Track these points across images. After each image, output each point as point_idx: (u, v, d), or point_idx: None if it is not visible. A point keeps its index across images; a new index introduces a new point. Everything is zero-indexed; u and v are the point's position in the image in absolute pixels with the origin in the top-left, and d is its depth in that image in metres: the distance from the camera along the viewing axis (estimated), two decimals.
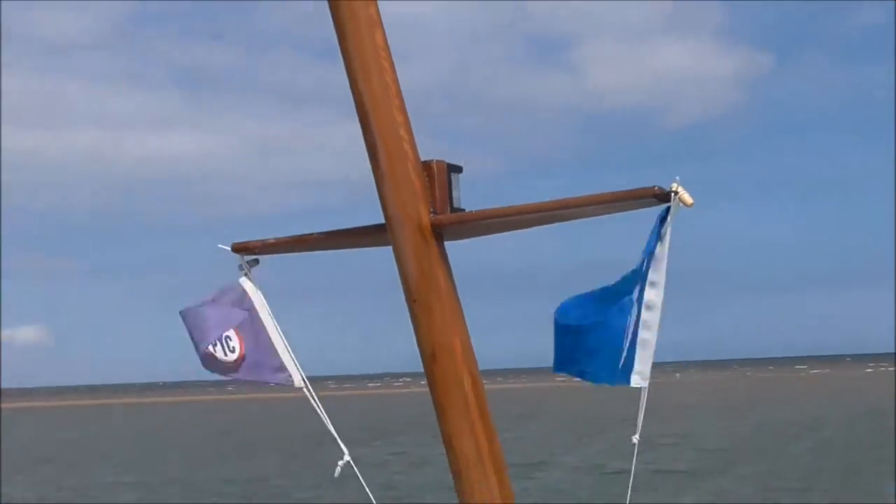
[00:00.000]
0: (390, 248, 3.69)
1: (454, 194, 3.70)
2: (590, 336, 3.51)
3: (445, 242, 3.71)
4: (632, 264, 3.51)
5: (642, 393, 3.57)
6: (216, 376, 4.07)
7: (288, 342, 4.09)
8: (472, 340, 3.70)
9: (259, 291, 4.09)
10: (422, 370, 3.71)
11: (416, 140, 3.69)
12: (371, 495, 4.07)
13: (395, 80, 3.60)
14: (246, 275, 4.11)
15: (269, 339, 4.04)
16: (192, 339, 4.02)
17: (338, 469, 3.97)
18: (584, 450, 53.26)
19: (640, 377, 3.52)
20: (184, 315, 4.04)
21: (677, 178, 3.42)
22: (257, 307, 4.07)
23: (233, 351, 4.02)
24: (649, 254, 3.45)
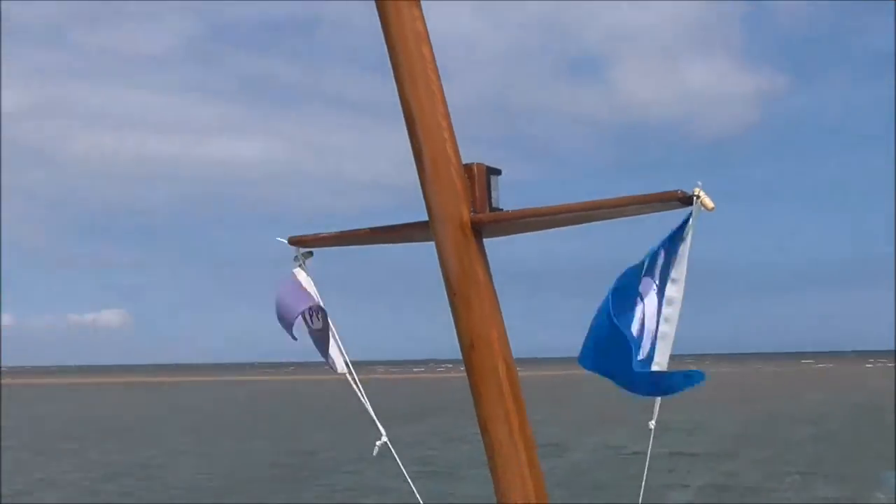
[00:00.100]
0: (433, 244, 3.67)
1: (493, 195, 3.68)
2: (607, 341, 3.46)
3: (484, 239, 3.68)
4: (633, 261, 3.46)
5: None
6: (274, 359, 4.11)
7: (338, 331, 4.08)
8: (508, 331, 3.68)
9: (311, 281, 4.08)
10: (461, 357, 3.69)
11: (459, 145, 3.66)
12: (405, 472, 4.07)
13: (440, 90, 3.58)
14: (301, 266, 4.10)
15: (322, 327, 4.04)
16: (283, 311, 4.03)
17: (376, 448, 3.97)
18: (606, 433, 53.19)
19: (658, 367, 3.48)
20: (278, 293, 4.07)
21: (699, 182, 3.37)
22: (311, 294, 4.06)
23: (319, 320, 4.04)
24: (671, 252, 3.41)
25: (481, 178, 3.65)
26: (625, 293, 3.38)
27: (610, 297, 3.33)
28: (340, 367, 4.05)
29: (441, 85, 3.59)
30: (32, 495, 37.23)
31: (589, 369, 3.47)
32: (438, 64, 3.58)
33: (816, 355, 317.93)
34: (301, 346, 4.11)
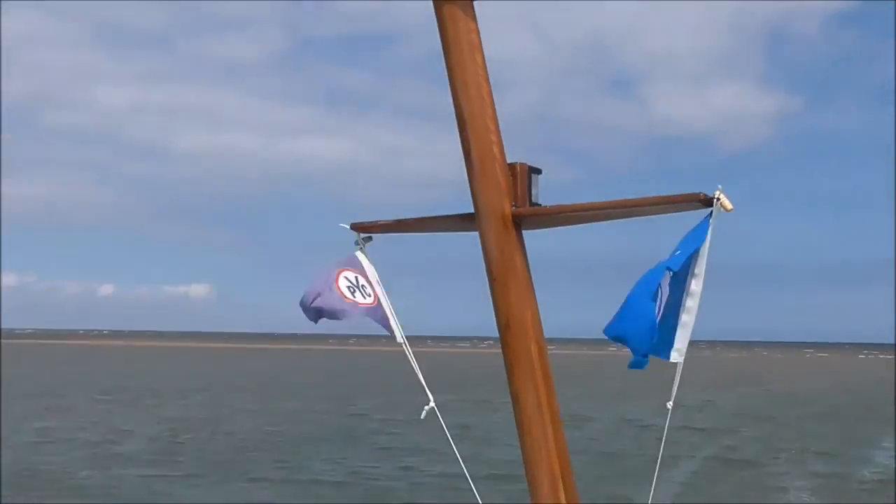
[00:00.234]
0: (477, 234, 3.67)
1: (533, 191, 3.67)
2: (633, 311, 3.44)
3: (524, 231, 3.68)
4: (662, 256, 3.43)
5: (678, 367, 3.50)
6: (338, 332, 4.11)
7: (394, 307, 4.08)
8: (542, 314, 3.68)
9: (371, 263, 4.08)
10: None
11: (506, 147, 3.65)
12: (448, 435, 4.07)
13: (490, 95, 3.58)
14: (361, 249, 4.10)
15: (380, 300, 4.05)
16: (318, 286, 4.01)
17: (423, 412, 3.97)
18: (625, 407, 53.04)
19: (678, 353, 3.45)
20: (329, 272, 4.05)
21: (719, 186, 3.34)
22: (369, 276, 4.07)
23: (369, 296, 4.01)
24: (693, 249, 3.37)
25: (523, 177, 3.64)
26: (653, 281, 3.36)
27: (644, 282, 3.32)
28: (399, 337, 4.05)
29: (491, 90, 3.59)
30: (116, 444, 37.73)
31: (610, 336, 3.44)
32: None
33: (816, 345, 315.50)
34: (361, 322, 4.10)
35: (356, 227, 4.15)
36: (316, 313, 3.98)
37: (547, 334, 3.67)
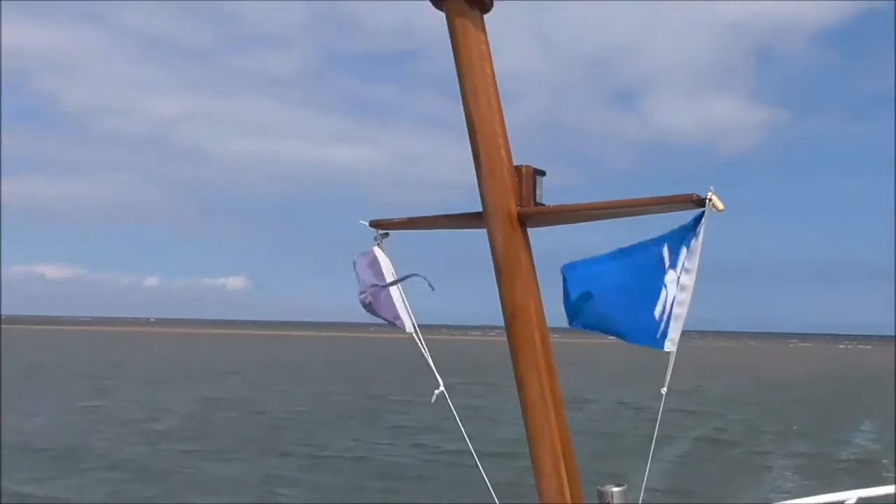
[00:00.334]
0: (485, 231, 3.66)
1: (537, 192, 3.66)
2: (621, 299, 3.42)
3: (528, 229, 3.67)
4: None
5: (671, 356, 3.48)
6: (364, 319, 4.17)
7: (408, 298, 4.08)
8: (545, 305, 3.67)
9: (387, 257, 4.08)
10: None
11: (513, 151, 3.63)
12: (456, 416, 4.06)
13: (498, 102, 3.56)
14: (378, 244, 4.10)
15: (390, 293, 4.05)
16: (358, 282, 4.05)
17: (434, 396, 3.97)
18: (621, 391, 52.97)
19: (671, 343, 3.44)
20: (354, 264, 4.09)
21: (711, 187, 3.32)
22: (384, 269, 4.06)
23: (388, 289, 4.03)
24: (683, 245, 3.35)
25: (528, 178, 3.63)
26: (643, 268, 3.36)
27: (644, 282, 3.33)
28: (409, 327, 4.04)
29: (499, 98, 3.57)
30: (155, 422, 37.88)
31: (593, 330, 3.45)
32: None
33: (799, 336, 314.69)
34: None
35: (374, 224, 4.15)
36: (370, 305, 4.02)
37: (549, 324, 3.67)
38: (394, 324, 4.09)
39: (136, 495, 22.46)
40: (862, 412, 44.75)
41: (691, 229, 3.35)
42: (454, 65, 3.57)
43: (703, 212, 3.33)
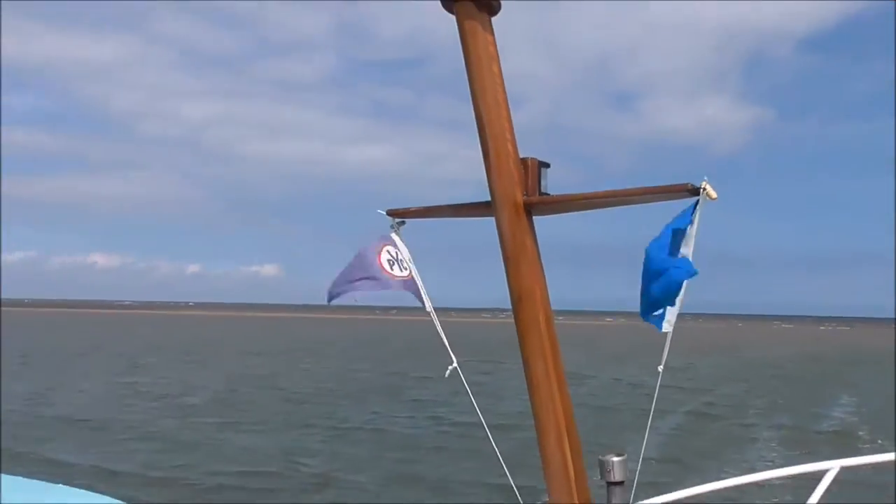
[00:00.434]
0: (493, 219, 3.64)
1: (542, 183, 3.65)
2: (658, 281, 3.37)
3: (534, 217, 3.65)
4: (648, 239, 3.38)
5: (667, 336, 3.45)
6: (386, 303, 4.13)
7: (425, 282, 4.08)
8: (550, 289, 3.65)
9: (404, 244, 4.06)
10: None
11: (519, 146, 3.61)
12: (469, 390, 4.05)
13: (505, 98, 3.55)
14: (395, 232, 4.09)
15: (414, 275, 4.04)
16: (352, 268, 3.97)
17: (447, 371, 3.97)
18: (619, 369, 52.95)
19: (668, 324, 3.42)
20: (359, 253, 4.02)
21: (705, 177, 3.29)
22: (403, 254, 4.05)
23: (405, 270, 3.99)
24: (681, 232, 3.31)
25: (534, 169, 3.62)
26: (670, 259, 3.32)
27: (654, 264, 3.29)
28: (427, 307, 4.03)
29: (506, 95, 3.56)
30: (187, 396, 38.07)
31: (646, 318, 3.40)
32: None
33: (782, 318, 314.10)
34: (398, 294, 4.09)
35: (391, 213, 4.14)
36: (344, 291, 3.94)
37: (553, 307, 3.65)
38: (415, 300, 4.04)
39: (166, 464, 22.55)
40: (840, 388, 44.65)
41: (688, 217, 3.32)
42: (464, 64, 3.55)
43: (698, 200, 3.30)
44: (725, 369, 57.63)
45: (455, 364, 3.96)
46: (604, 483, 3.62)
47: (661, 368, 3.59)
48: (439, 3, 3.51)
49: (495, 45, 3.52)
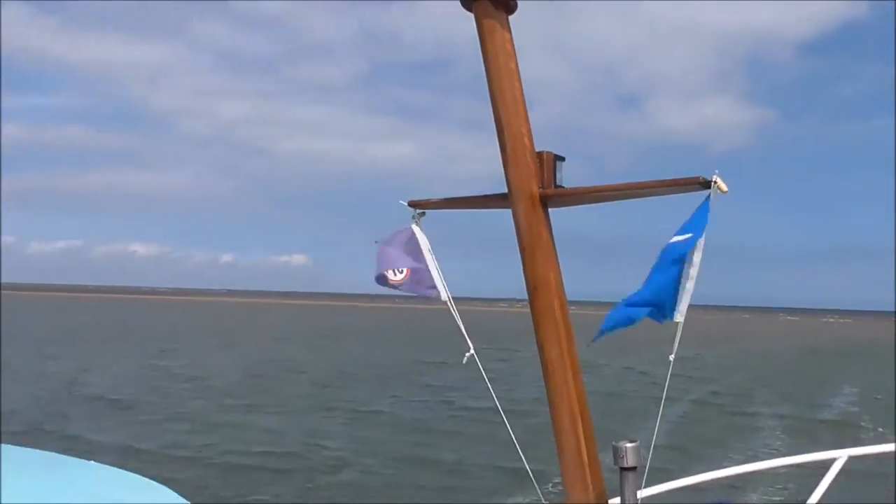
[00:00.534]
0: (510, 211, 3.61)
1: (557, 176, 3.61)
2: (650, 283, 3.34)
3: (549, 209, 3.62)
4: (668, 235, 3.32)
5: (679, 326, 3.40)
6: (402, 292, 4.11)
7: (444, 273, 4.05)
8: (564, 280, 3.62)
9: (424, 234, 4.02)
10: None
11: (534, 140, 3.56)
12: (485, 376, 4.03)
13: (522, 95, 3.52)
14: (416, 223, 4.05)
15: (428, 267, 4.00)
16: (376, 263, 4.00)
17: (464, 358, 3.95)
18: (630, 358, 52.79)
19: (680, 314, 3.36)
20: (378, 245, 4.04)
21: (717, 171, 3.24)
22: (421, 245, 4.02)
23: (401, 272, 3.96)
24: (699, 226, 3.26)
25: (549, 163, 3.58)
26: (673, 260, 3.28)
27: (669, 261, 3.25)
28: (443, 296, 3.99)
29: (522, 92, 3.52)
30: (214, 379, 38.22)
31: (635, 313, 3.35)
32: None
33: (788, 310, 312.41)
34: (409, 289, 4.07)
35: (412, 204, 4.11)
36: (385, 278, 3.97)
37: (567, 296, 3.61)
38: (427, 295, 4.05)
39: (192, 443, 22.68)
40: (843, 378, 44.39)
41: (703, 210, 3.28)
42: (482, 61, 3.52)
43: (709, 194, 3.26)
44: (731, 359, 57.40)
45: (472, 351, 3.94)
46: (616, 468, 3.58)
47: (672, 357, 3.54)
48: (459, 3, 3.49)
49: (512, 43, 3.49)
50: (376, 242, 4.07)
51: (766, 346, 76.19)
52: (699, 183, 3.26)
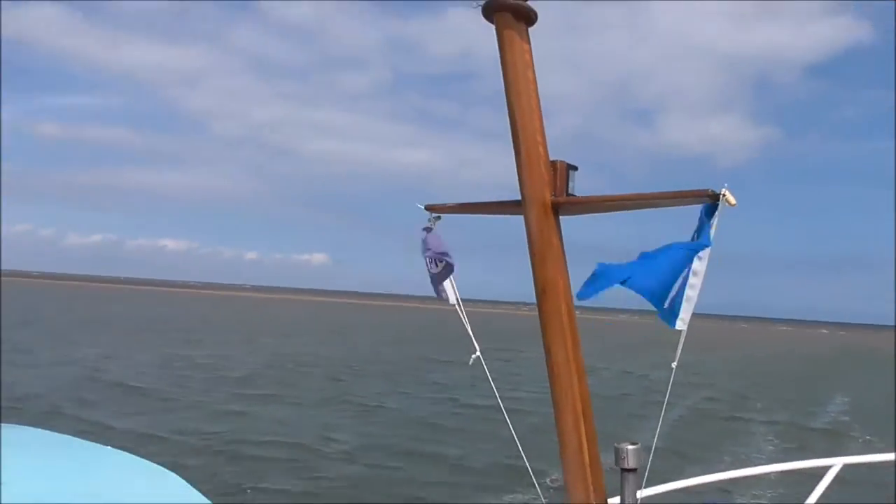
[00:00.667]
0: (522, 217, 3.58)
1: (570, 184, 3.55)
2: (648, 273, 3.26)
3: (560, 217, 3.58)
4: (661, 242, 3.28)
5: (682, 334, 3.34)
6: (420, 292, 4.07)
7: (454, 274, 4.00)
8: (573, 285, 3.57)
9: (439, 237, 4.02)
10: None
11: (549, 150, 3.52)
12: (489, 376, 3.99)
13: (538, 104, 3.47)
14: (432, 226, 4.01)
15: (443, 269, 3.97)
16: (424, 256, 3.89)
17: (471, 359, 3.91)
18: (627, 362, 52.59)
19: (682, 322, 3.28)
20: (424, 240, 3.88)
21: (726, 184, 3.18)
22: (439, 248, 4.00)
23: (439, 266, 3.87)
24: (706, 236, 3.21)
25: (562, 172, 3.53)
26: (683, 263, 3.22)
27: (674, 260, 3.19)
28: (452, 299, 3.96)
29: (539, 101, 3.47)
30: (230, 370, 38.30)
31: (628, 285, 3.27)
32: (546, 108, 3.52)
33: (784, 321, 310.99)
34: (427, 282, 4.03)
35: (429, 208, 4.06)
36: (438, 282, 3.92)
37: (574, 301, 3.56)
38: (440, 296, 4.02)
39: (206, 432, 22.67)
40: (836, 388, 44.14)
41: (707, 222, 3.23)
42: (501, 70, 3.48)
43: (717, 205, 3.21)
44: (728, 366, 57.12)
45: (478, 352, 3.90)
46: (616, 468, 3.54)
47: (674, 365, 3.49)
48: (480, 14, 3.45)
49: (531, 54, 3.45)
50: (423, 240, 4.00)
51: (763, 355, 75.92)
52: (708, 195, 3.21)
